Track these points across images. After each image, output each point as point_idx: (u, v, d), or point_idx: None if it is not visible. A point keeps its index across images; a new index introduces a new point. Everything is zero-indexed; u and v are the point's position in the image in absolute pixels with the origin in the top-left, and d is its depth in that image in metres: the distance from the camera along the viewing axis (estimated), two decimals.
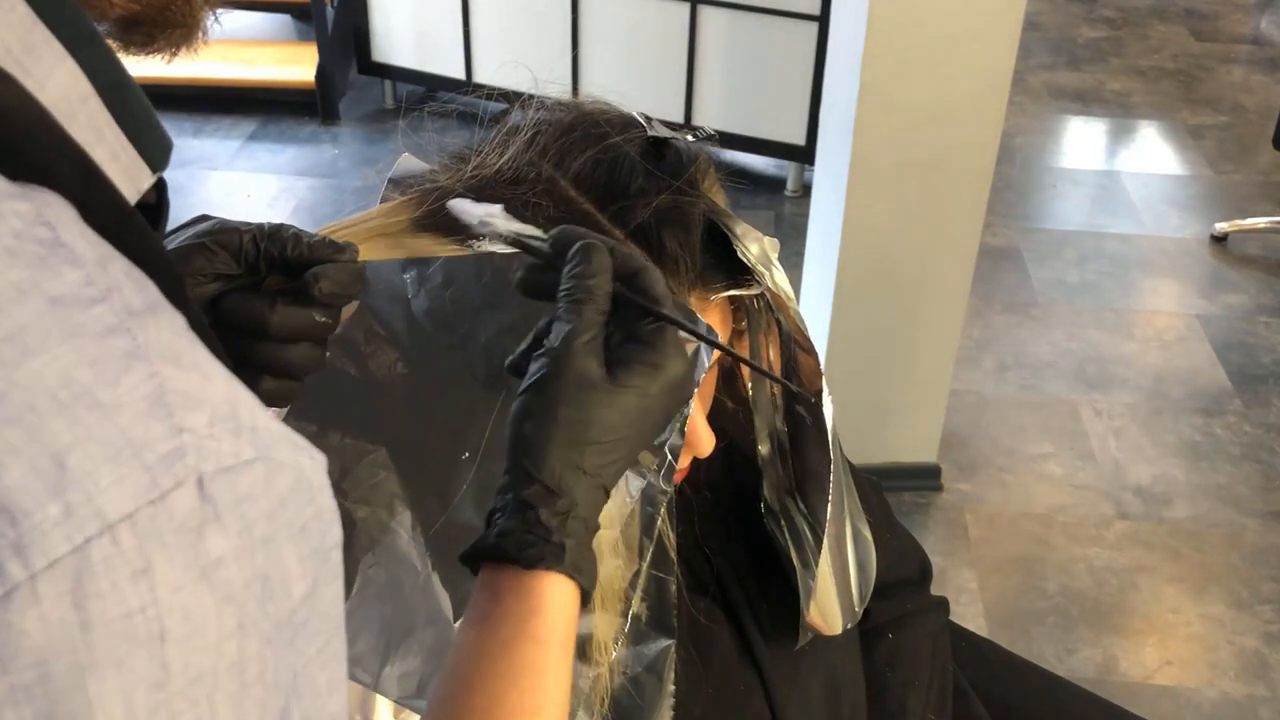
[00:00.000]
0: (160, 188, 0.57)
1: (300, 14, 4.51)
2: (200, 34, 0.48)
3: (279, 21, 4.78)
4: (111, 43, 0.43)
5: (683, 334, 0.63)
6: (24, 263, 0.34)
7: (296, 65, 4.10)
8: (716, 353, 0.80)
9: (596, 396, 0.59)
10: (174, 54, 0.48)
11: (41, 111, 0.37)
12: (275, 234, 0.68)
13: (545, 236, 0.65)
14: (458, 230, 0.74)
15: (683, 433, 0.72)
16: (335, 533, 0.41)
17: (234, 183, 3.68)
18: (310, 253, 0.67)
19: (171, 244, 0.67)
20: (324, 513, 0.40)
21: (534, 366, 0.60)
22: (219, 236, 0.67)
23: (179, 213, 0.70)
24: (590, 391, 0.59)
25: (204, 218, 0.69)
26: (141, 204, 0.56)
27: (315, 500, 0.40)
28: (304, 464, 0.39)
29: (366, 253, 0.72)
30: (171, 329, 0.37)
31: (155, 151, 0.44)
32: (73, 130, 0.39)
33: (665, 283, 0.63)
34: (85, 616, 0.32)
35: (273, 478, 0.37)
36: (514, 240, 0.67)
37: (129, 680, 0.33)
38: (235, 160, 3.80)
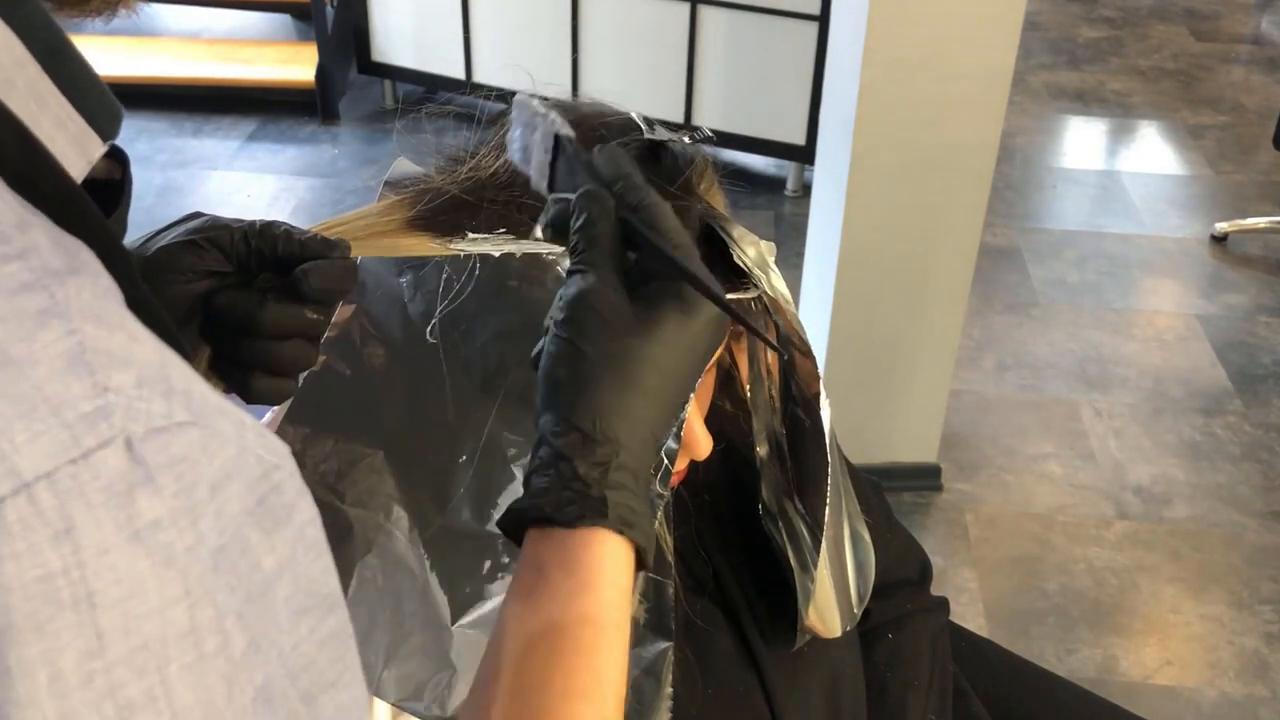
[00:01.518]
0: (123, 162, 0.56)
1: (300, 14, 4.51)
2: None
3: (279, 21, 4.78)
4: (45, 3, 0.42)
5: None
6: None
7: (296, 65, 4.10)
8: (713, 357, 0.80)
9: (631, 332, 0.54)
10: (111, 13, 0.46)
11: None
12: (266, 231, 0.67)
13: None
14: (451, 230, 0.74)
15: (679, 436, 0.72)
16: (306, 508, 0.39)
17: (234, 183, 3.68)
18: (301, 250, 0.67)
19: (162, 241, 0.66)
20: (284, 487, 0.38)
21: (557, 317, 0.56)
22: (210, 233, 0.66)
23: (179, 213, 0.70)
24: (623, 328, 0.54)
25: (196, 215, 0.68)
26: (106, 181, 0.55)
27: (271, 476, 0.38)
28: (250, 440, 0.37)
29: (359, 251, 0.72)
30: (94, 290, 0.35)
31: (104, 119, 0.42)
32: (11, 98, 0.38)
33: (673, 215, 0.59)
34: (1, 580, 0.31)
35: (211, 446, 0.35)
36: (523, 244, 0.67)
37: (53, 646, 0.32)
38: (235, 160, 3.80)
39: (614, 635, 0.53)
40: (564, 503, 0.52)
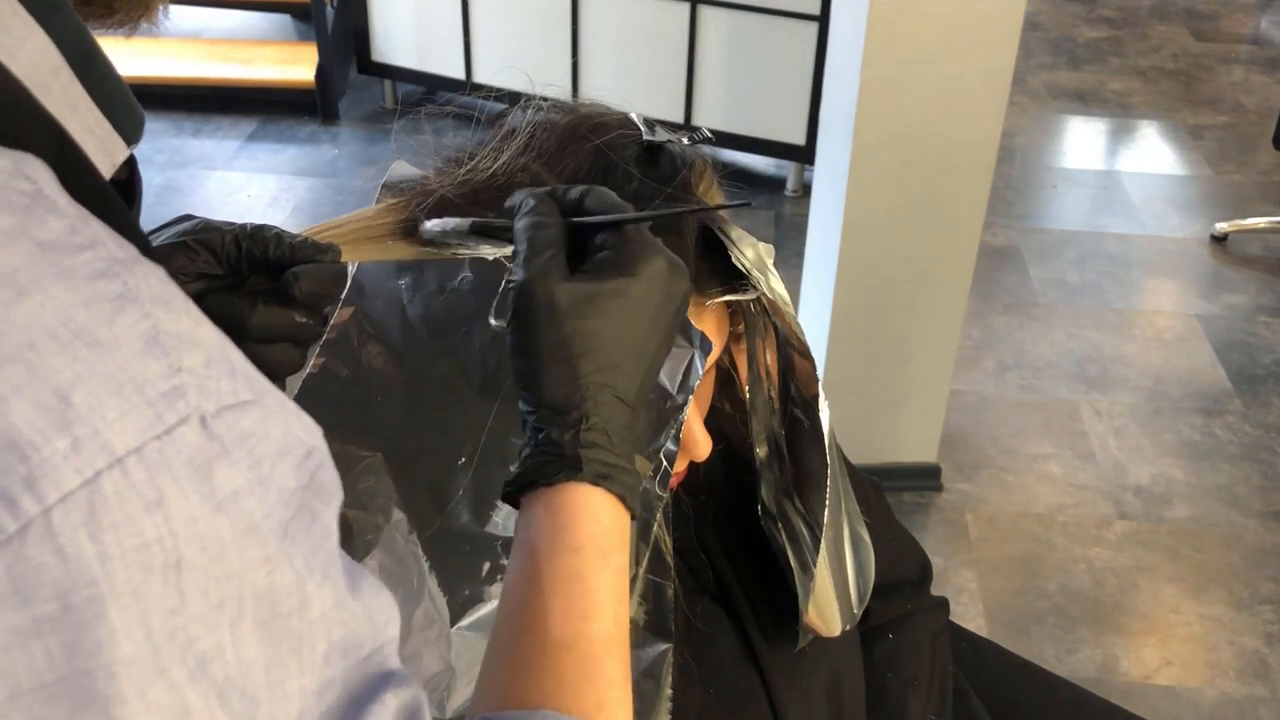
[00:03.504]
0: (131, 164, 0.57)
1: (300, 14, 4.51)
2: (160, 6, 0.48)
3: (279, 21, 4.78)
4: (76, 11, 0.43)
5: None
6: (8, 210, 0.34)
7: (296, 65, 4.10)
8: (712, 358, 0.80)
9: (569, 308, 0.59)
10: (134, 26, 0.48)
11: (14, 82, 0.37)
12: (257, 234, 0.67)
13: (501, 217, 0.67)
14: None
15: (678, 438, 0.72)
16: (340, 490, 0.42)
17: (234, 183, 3.68)
18: (292, 254, 0.67)
19: (154, 243, 0.66)
20: (327, 467, 0.41)
21: (508, 310, 0.61)
22: (201, 236, 0.67)
23: (179, 213, 0.70)
24: (561, 306, 0.59)
25: (187, 217, 0.69)
26: (113, 181, 0.56)
27: (314, 454, 0.40)
28: (292, 421, 0.39)
29: (351, 255, 0.72)
30: (159, 278, 0.37)
31: (129, 123, 0.44)
32: (46, 102, 0.39)
33: (614, 196, 0.64)
34: (102, 548, 0.33)
35: (270, 423, 0.38)
36: (479, 227, 0.69)
37: (146, 606, 0.34)
38: (235, 160, 3.80)
39: (599, 562, 0.57)
40: (542, 464, 0.58)
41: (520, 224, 0.63)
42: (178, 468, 0.34)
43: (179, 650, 0.35)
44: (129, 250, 0.37)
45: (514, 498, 0.59)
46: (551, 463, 0.57)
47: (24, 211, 0.34)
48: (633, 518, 0.60)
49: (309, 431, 0.40)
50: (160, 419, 0.34)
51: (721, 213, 0.83)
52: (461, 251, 0.73)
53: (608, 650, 0.55)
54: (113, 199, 0.40)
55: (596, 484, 0.57)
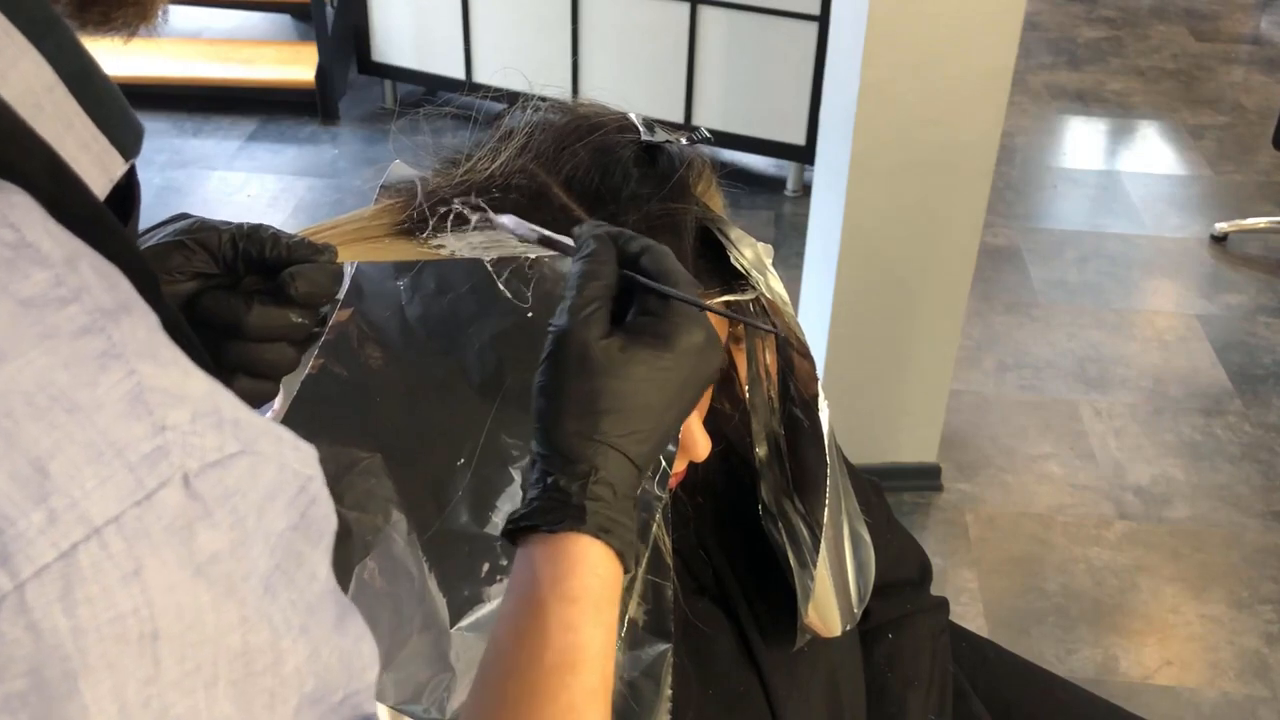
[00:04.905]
0: (130, 173, 0.56)
1: (300, 14, 4.51)
2: (158, 12, 0.47)
3: (279, 21, 4.78)
4: (68, 22, 0.43)
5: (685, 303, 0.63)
6: None
7: (296, 65, 4.10)
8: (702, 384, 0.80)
9: (602, 366, 0.59)
10: (132, 33, 0.47)
11: (4, 107, 0.36)
12: (253, 234, 0.67)
13: (570, 237, 0.67)
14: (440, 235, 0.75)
15: (676, 439, 0.72)
16: (334, 519, 0.41)
17: (234, 183, 3.68)
18: (288, 253, 0.67)
19: (150, 241, 0.66)
20: (319, 499, 0.40)
21: (544, 350, 0.62)
22: (197, 235, 0.66)
23: (179, 213, 0.70)
24: (594, 362, 0.59)
25: (183, 216, 0.68)
26: (113, 189, 0.55)
27: (308, 489, 0.39)
28: (287, 456, 0.39)
29: (348, 255, 0.72)
30: (146, 326, 0.36)
31: (127, 137, 0.43)
32: (40, 122, 0.38)
33: (673, 257, 0.64)
34: (76, 622, 0.32)
35: (258, 469, 0.37)
36: (545, 240, 0.70)
37: (121, 679, 0.33)
38: (235, 160, 3.80)
39: (593, 615, 0.57)
40: (547, 510, 0.58)
41: (576, 266, 0.63)
42: (157, 535, 0.34)
43: (153, 718, 0.34)
44: (117, 296, 0.36)
45: (514, 535, 0.60)
46: (556, 510, 0.58)
47: (6, 266, 0.33)
48: (626, 572, 0.61)
49: (305, 461, 0.39)
50: (141, 484, 0.33)
51: (720, 211, 0.83)
52: (458, 253, 0.73)
53: (590, 704, 0.55)
54: (107, 221, 0.39)
55: (597, 536, 0.58)
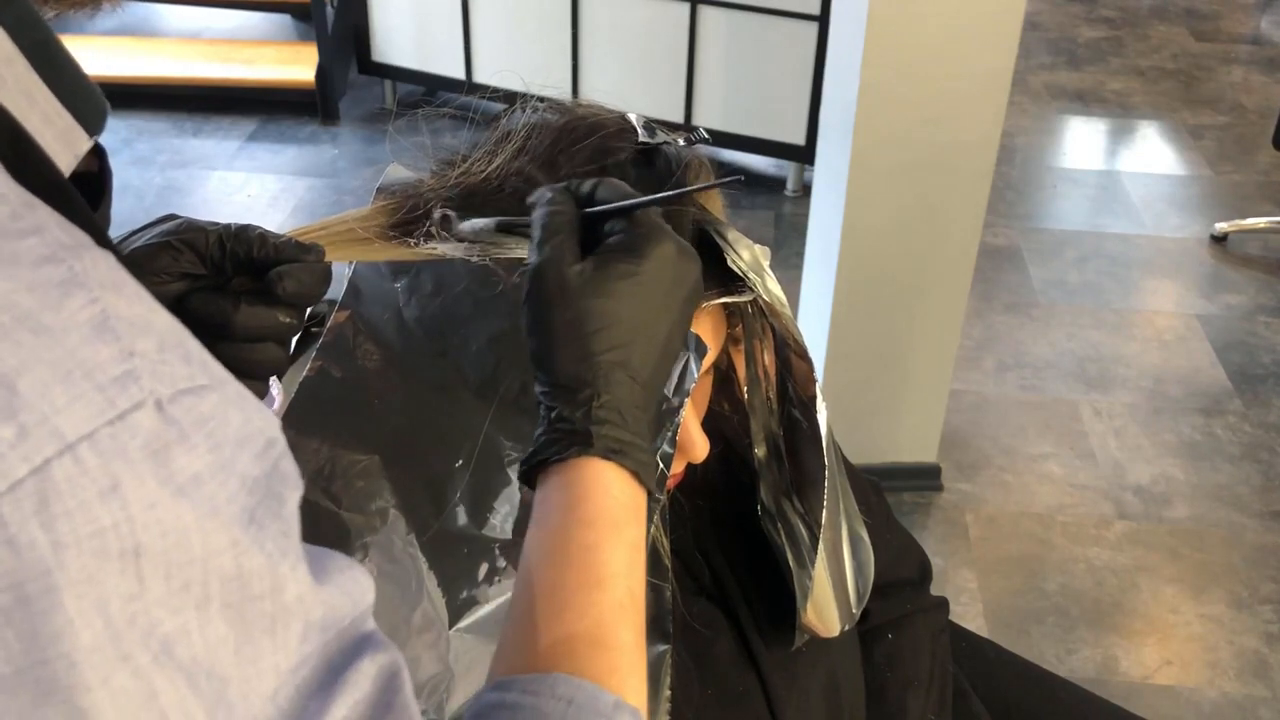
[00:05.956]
0: (100, 155, 0.56)
1: (300, 14, 4.51)
2: None
3: (279, 21, 4.78)
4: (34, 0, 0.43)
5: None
6: None
7: (296, 65, 4.10)
8: (708, 361, 0.80)
9: (579, 289, 0.60)
10: (96, 7, 0.47)
11: None
12: (241, 234, 0.67)
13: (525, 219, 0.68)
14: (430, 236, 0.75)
15: (674, 440, 0.72)
16: (301, 484, 0.41)
17: (234, 183, 3.68)
18: (276, 254, 0.67)
19: (137, 243, 0.66)
20: (287, 459, 0.40)
21: (523, 293, 0.62)
22: (185, 236, 0.66)
23: (180, 213, 0.70)
24: (573, 287, 0.60)
25: (171, 217, 0.68)
26: (84, 174, 0.55)
27: (275, 445, 0.39)
28: (250, 411, 0.39)
29: (338, 256, 0.72)
30: (108, 264, 0.36)
31: (91, 114, 0.43)
32: (1, 94, 0.38)
33: (626, 185, 0.66)
34: (55, 536, 0.32)
35: (228, 410, 0.37)
36: (504, 225, 0.71)
37: (104, 593, 0.33)
38: (235, 160, 3.80)
39: (611, 534, 0.57)
40: (553, 441, 0.59)
41: (536, 214, 0.65)
42: (133, 453, 0.33)
43: (141, 635, 0.34)
44: (77, 237, 0.36)
45: (529, 476, 0.60)
46: (562, 439, 0.58)
47: None
48: (650, 495, 0.61)
49: (268, 423, 0.39)
50: (113, 404, 0.33)
51: (721, 213, 0.82)
52: (494, 251, 0.73)
53: (620, 619, 0.55)
54: (69, 193, 0.39)
55: (608, 458, 0.58)
